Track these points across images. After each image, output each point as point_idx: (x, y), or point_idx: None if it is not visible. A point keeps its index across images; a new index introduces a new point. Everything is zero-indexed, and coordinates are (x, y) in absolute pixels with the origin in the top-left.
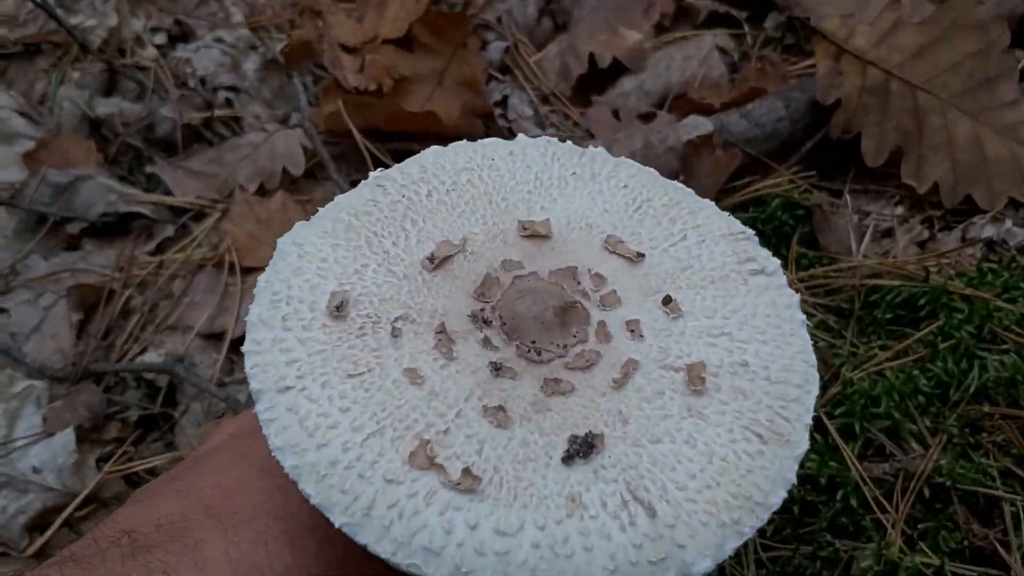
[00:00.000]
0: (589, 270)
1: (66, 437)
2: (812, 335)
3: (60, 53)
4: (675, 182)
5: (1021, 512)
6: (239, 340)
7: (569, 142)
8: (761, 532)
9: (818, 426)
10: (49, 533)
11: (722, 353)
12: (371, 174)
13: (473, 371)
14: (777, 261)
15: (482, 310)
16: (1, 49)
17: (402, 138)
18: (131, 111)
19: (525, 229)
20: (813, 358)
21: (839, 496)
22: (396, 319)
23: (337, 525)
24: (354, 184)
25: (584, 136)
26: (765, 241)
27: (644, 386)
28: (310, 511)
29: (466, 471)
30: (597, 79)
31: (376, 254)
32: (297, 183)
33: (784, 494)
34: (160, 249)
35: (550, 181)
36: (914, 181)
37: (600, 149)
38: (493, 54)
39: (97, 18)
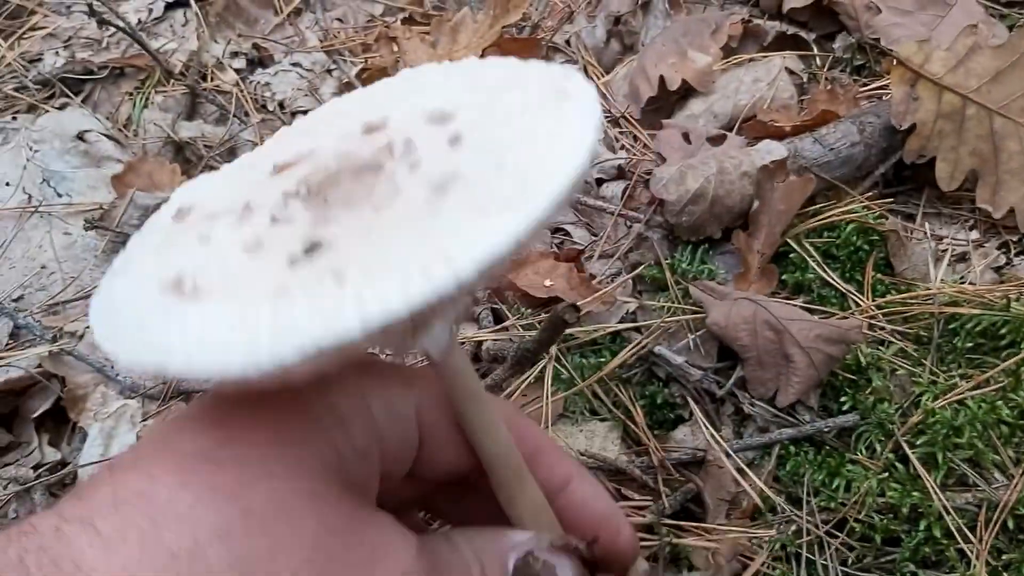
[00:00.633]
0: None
1: None
2: (891, 363)
3: (143, 77)
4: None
5: None
6: None
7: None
8: (843, 560)
9: (900, 455)
10: None
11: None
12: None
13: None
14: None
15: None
16: (86, 73)
17: None
18: (213, 134)
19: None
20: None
21: (922, 526)
22: (220, 212)
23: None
24: None
25: (655, 159)
26: (840, 266)
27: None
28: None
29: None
30: (664, 101)
31: (242, 170)
32: None
33: None
34: None
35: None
36: (990, 206)
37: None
38: None
39: (178, 42)
